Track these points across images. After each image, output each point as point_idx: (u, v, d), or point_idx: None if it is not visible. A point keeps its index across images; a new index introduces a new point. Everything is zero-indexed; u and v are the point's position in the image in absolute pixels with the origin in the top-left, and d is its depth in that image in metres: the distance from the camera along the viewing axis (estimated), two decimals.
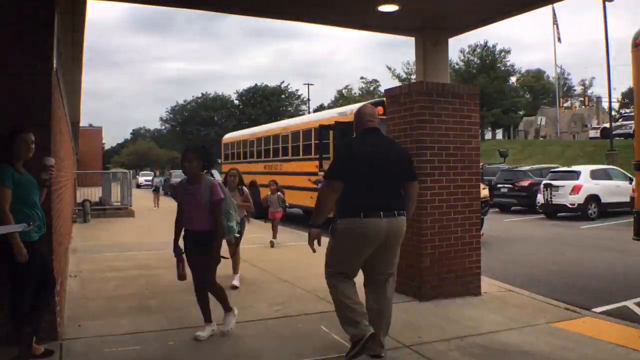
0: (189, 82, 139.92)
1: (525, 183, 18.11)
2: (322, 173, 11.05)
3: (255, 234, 11.49)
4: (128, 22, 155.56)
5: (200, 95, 75.52)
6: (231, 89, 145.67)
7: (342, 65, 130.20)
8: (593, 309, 5.46)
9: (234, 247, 6.02)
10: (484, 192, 10.37)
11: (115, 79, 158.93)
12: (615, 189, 15.78)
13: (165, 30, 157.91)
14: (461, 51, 56.94)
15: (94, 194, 17.32)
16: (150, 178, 46.27)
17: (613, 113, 37.36)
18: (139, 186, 43.84)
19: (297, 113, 71.75)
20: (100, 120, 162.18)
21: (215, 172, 30.87)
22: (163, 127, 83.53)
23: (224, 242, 4.71)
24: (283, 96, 72.60)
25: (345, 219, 3.71)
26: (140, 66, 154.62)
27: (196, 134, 69.98)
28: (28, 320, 3.63)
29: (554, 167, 19.60)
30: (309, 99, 71.08)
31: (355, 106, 12.50)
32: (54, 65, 4.25)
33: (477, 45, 56.20)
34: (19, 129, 3.65)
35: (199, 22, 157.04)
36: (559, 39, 47.67)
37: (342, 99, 71.26)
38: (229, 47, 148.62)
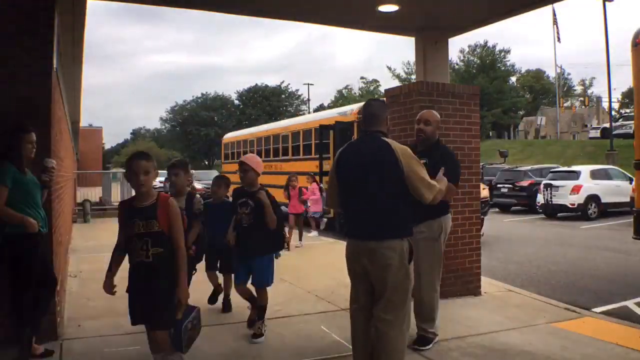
0: (185, 78, 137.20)
1: (525, 183, 18.11)
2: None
3: None
4: (115, 10, 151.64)
5: (200, 95, 75.58)
6: (230, 83, 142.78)
7: (343, 63, 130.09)
8: (593, 309, 5.46)
9: None
10: (484, 192, 10.36)
11: (106, 74, 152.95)
12: (615, 189, 15.78)
13: (157, 19, 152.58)
14: (461, 51, 57.02)
15: (94, 194, 17.31)
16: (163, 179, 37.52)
17: (613, 113, 37.35)
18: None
19: (297, 113, 71.79)
20: (97, 118, 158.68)
21: (214, 172, 30.66)
22: (163, 127, 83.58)
23: None
24: (283, 96, 72.64)
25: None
26: (133, 60, 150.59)
27: (196, 133, 69.98)
28: (28, 320, 3.63)
29: (554, 167, 19.60)
30: (309, 99, 71.17)
31: (355, 106, 12.49)
32: (54, 65, 4.25)
33: (477, 45, 56.28)
34: (23, 129, 3.65)
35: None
36: (559, 39, 47.67)
37: (342, 99, 71.24)
38: (228, 39, 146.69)
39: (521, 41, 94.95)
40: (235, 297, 5.67)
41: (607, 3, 27.82)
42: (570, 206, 15.51)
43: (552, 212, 16.10)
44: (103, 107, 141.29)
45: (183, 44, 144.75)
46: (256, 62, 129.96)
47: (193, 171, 31.56)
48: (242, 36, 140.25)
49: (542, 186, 16.32)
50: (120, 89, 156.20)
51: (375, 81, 71.80)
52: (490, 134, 52.23)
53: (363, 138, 3.31)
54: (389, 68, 70.30)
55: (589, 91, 66.84)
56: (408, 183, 3.09)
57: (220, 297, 5.34)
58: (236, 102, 75.29)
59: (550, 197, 15.91)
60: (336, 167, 3.30)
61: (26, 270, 3.57)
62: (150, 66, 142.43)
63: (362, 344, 3.24)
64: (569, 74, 64.30)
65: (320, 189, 10.70)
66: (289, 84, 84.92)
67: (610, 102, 31.22)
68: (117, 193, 17.41)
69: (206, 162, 72.41)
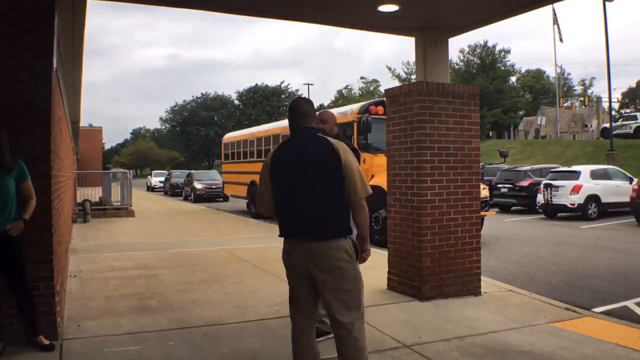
0: (187, 73, 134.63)
1: (525, 183, 18.10)
2: None
3: (255, 234, 11.51)
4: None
5: (200, 95, 75.67)
6: (229, 79, 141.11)
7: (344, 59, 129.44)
8: (593, 309, 5.46)
9: None
10: (484, 192, 10.35)
11: (101, 70, 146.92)
12: (615, 189, 15.77)
13: (155, 9, 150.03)
14: (461, 51, 57.05)
15: (94, 194, 17.31)
16: (163, 179, 36.58)
17: (613, 113, 37.35)
18: (151, 189, 38.40)
19: None
20: (97, 118, 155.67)
21: (214, 172, 30.52)
22: (163, 127, 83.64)
23: None
24: (283, 96, 72.68)
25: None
26: (131, 54, 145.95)
27: (196, 133, 70.05)
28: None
29: (554, 167, 19.60)
30: None
31: (355, 106, 12.47)
32: (54, 65, 4.25)
33: (477, 45, 56.30)
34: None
35: None
36: (561, 39, 47.74)
37: (342, 99, 71.23)
38: (225, 31, 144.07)
39: (521, 39, 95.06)
40: (237, 297, 5.67)
41: (607, 3, 27.83)
42: (570, 206, 15.51)
43: (552, 212, 16.10)
44: (102, 107, 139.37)
45: (185, 37, 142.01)
46: (264, 57, 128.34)
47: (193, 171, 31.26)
48: (251, 28, 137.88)
49: (542, 186, 16.32)
50: (117, 85, 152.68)
51: (375, 81, 71.89)
52: (490, 134, 52.21)
53: (298, 136, 3.14)
54: (389, 68, 70.42)
55: (589, 91, 66.85)
56: (345, 177, 2.98)
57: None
58: (236, 102, 75.34)
59: (550, 197, 15.91)
60: (271, 168, 3.11)
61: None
62: (149, 61, 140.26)
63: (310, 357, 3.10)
64: (569, 74, 64.37)
65: None
66: (289, 84, 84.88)
67: (610, 102, 31.23)
68: (117, 193, 17.43)
69: (206, 162, 72.44)
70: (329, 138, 3.10)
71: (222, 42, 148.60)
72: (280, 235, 3.10)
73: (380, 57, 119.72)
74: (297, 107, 3.22)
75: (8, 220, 3.72)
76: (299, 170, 3.01)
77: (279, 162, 3.09)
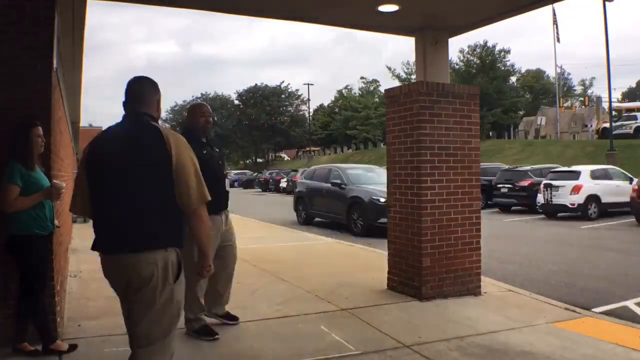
0: (183, 71, 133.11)
1: (525, 183, 18.09)
2: None
3: (255, 234, 11.51)
4: None
5: (200, 95, 75.67)
6: (232, 77, 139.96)
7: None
8: (593, 309, 5.46)
9: None
10: None
11: (97, 69, 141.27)
12: (616, 189, 15.77)
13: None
14: (461, 51, 56.97)
15: None
16: None
17: (613, 113, 37.31)
18: None
19: (297, 113, 71.87)
20: (96, 117, 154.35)
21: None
22: None
23: None
24: (283, 96, 72.71)
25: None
26: (126, 52, 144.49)
27: None
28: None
29: (554, 167, 19.59)
30: (309, 99, 71.26)
31: None
32: (54, 65, 4.25)
33: (477, 45, 56.24)
34: (30, 122, 3.67)
35: None
36: (558, 39, 47.72)
37: (343, 99, 71.27)
38: (224, 27, 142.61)
39: (522, 38, 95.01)
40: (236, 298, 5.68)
41: (607, 3, 27.83)
42: (571, 206, 15.50)
43: (552, 212, 16.09)
44: (102, 106, 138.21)
45: (185, 33, 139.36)
46: (267, 55, 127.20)
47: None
48: (254, 25, 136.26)
49: (542, 186, 16.32)
50: (117, 83, 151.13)
51: (375, 81, 71.85)
52: (490, 134, 52.18)
53: (126, 120, 2.55)
54: (389, 68, 70.41)
55: (589, 91, 66.92)
56: (176, 177, 2.41)
57: None
58: (236, 102, 75.38)
59: (551, 197, 15.91)
60: (87, 158, 2.52)
61: (43, 264, 3.70)
62: (149, 59, 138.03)
63: None
64: (569, 74, 64.37)
65: None
66: (288, 83, 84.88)
67: (610, 102, 31.19)
68: None
69: None
70: (163, 128, 2.50)
71: (223, 40, 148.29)
72: (92, 248, 2.52)
73: (388, 55, 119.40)
74: (137, 85, 2.60)
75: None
76: (116, 164, 2.40)
77: (96, 152, 2.50)
